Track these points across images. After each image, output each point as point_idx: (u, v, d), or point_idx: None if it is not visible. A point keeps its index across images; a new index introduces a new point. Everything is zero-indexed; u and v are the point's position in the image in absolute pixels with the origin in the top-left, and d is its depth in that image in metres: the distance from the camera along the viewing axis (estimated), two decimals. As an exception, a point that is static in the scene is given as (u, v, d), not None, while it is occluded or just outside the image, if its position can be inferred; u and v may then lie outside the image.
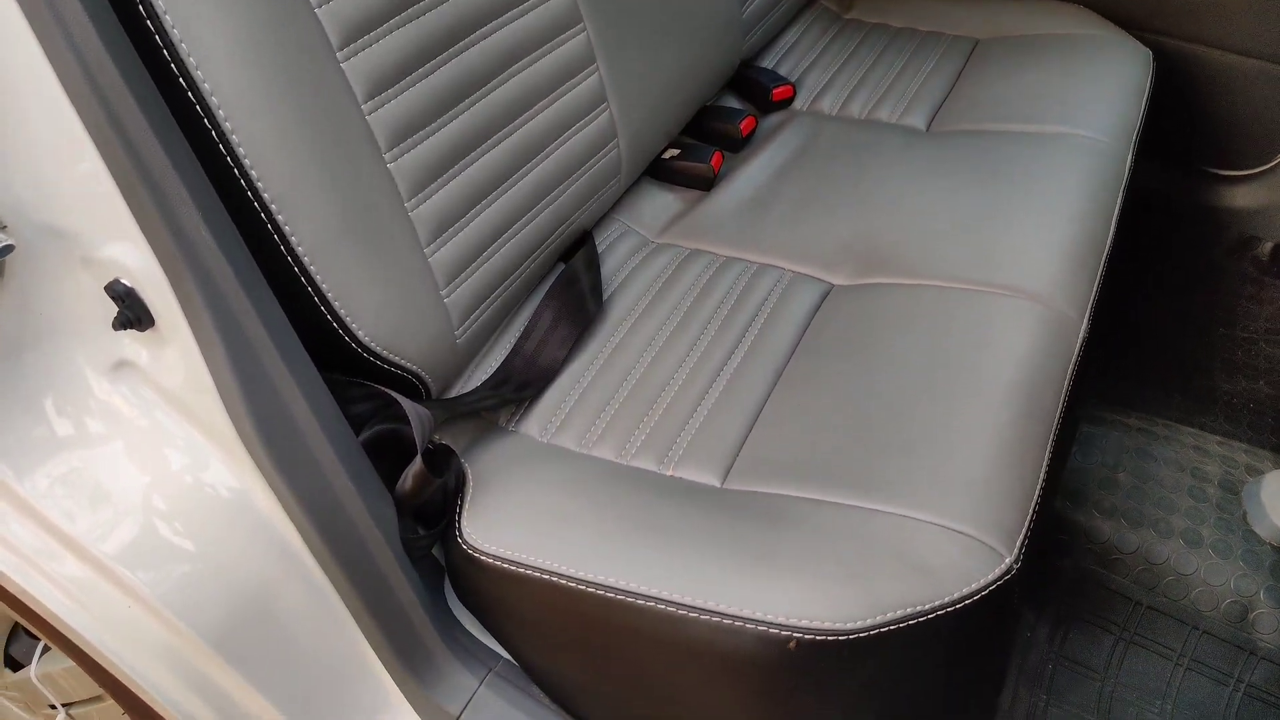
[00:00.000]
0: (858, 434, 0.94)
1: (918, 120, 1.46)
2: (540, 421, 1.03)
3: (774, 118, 1.49)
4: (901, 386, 0.98)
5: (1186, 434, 1.38)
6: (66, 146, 0.70)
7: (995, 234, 1.17)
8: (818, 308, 1.13)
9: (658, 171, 1.36)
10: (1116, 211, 1.24)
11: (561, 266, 1.19)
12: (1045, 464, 0.93)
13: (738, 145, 1.41)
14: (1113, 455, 1.35)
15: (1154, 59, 1.55)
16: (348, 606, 0.89)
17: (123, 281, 0.74)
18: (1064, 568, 1.26)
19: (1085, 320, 1.08)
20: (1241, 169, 1.69)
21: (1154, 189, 1.74)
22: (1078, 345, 1.06)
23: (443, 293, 0.96)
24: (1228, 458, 1.34)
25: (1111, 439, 1.38)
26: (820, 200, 1.28)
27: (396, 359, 0.91)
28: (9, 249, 0.71)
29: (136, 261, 0.73)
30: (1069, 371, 1.03)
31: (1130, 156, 1.34)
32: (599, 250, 1.23)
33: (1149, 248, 1.77)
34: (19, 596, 0.82)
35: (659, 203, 1.33)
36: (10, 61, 0.69)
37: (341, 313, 0.85)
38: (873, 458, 0.91)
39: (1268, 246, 1.69)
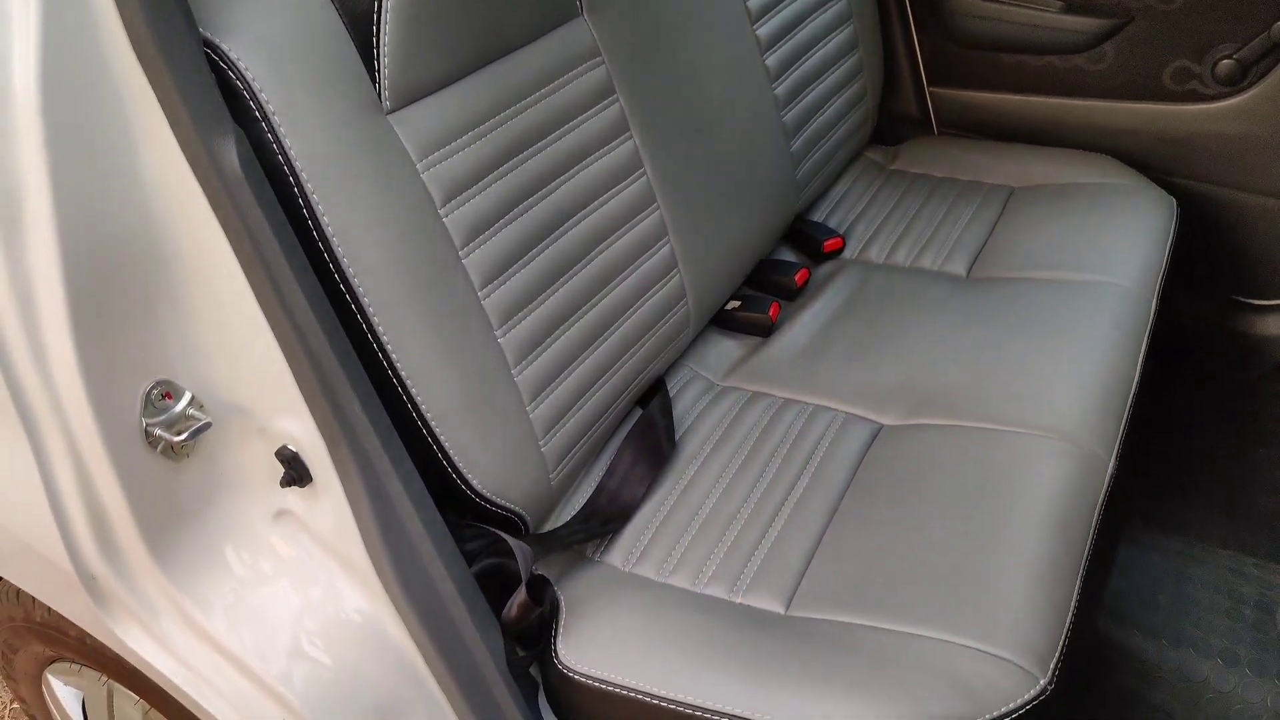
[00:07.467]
0: (906, 566, 1.06)
1: (958, 267, 1.61)
2: (622, 553, 1.16)
3: (826, 268, 1.65)
4: (944, 522, 1.10)
5: (1224, 556, 1.47)
6: (247, 330, 0.87)
7: (1030, 379, 1.30)
8: (869, 446, 1.27)
9: (722, 320, 1.52)
10: (1142, 354, 1.37)
11: (639, 411, 1.34)
12: (1077, 593, 1.04)
13: (793, 295, 1.57)
14: (1153, 578, 1.45)
15: (1178, 205, 1.69)
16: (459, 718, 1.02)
17: (289, 447, 0.91)
18: (1108, 686, 1.34)
19: (1113, 458, 1.20)
20: (1272, 298, 1.80)
21: (1189, 322, 1.85)
22: (1105, 481, 1.17)
23: (540, 443, 1.11)
24: (1263, 579, 1.42)
25: (1152, 562, 1.47)
26: (870, 346, 1.42)
27: (503, 502, 1.06)
28: (206, 426, 0.87)
29: (302, 431, 0.89)
30: (1098, 505, 1.14)
31: (1155, 300, 1.46)
32: (670, 394, 1.38)
33: (1189, 376, 1.88)
34: (191, 709, 0.97)
35: (723, 349, 1.48)
36: (208, 260, 0.86)
37: (461, 467, 1.01)
38: (920, 588, 1.03)
39: None
